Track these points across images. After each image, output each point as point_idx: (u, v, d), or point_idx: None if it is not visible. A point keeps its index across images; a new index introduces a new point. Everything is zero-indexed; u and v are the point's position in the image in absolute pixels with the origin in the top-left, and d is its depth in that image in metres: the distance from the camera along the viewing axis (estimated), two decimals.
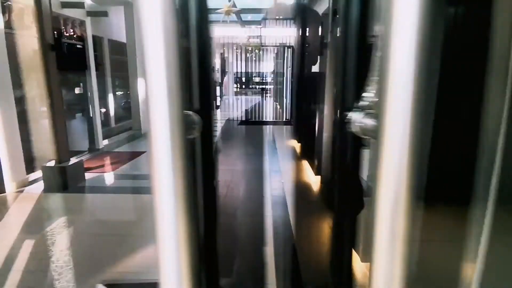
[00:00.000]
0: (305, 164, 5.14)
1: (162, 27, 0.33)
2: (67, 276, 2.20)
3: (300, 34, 6.10)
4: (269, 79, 11.67)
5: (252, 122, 9.59)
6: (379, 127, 0.37)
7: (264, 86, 13.19)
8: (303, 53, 5.98)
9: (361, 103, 0.46)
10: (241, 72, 10.66)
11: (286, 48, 9.01)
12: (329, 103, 4.14)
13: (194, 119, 0.55)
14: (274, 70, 10.66)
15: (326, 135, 4.13)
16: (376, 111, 0.37)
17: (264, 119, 10.04)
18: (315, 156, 4.44)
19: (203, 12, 0.52)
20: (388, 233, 0.41)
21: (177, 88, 0.36)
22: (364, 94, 0.45)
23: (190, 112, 0.54)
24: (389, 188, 0.39)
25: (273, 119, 10.13)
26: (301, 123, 5.94)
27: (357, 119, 0.44)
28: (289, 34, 9.32)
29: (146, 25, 0.33)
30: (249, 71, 10.68)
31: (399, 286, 0.41)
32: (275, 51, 9.94)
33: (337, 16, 2.64)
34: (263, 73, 12.16)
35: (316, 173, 4.40)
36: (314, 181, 4.38)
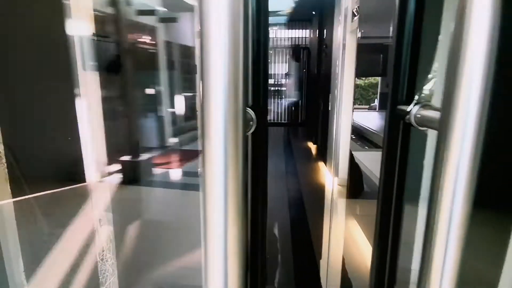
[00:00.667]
0: (322, 165, 5.13)
1: (228, 22, 0.32)
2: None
3: (317, 35, 6.11)
4: (283, 81, 11.63)
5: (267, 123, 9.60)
6: (443, 118, 0.39)
7: (278, 88, 13.14)
8: (320, 54, 5.98)
9: (418, 96, 0.48)
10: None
11: (301, 49, 8.99)
12: (348, 103, 4.12)
13: (251, 116, 0.56)
14: (288, 72, 10.65)
15: (345, 136, 4.11)
16: (442, 102, 0.39)
17: (278, 121, 10.05)
18: (333, 157, 4.42)
19: (263, 11, 0.54)
20: (445, 224, 0.42)
21: (240, 84, 0.34)
22: (425, 87, 0.48)
23: (247, 109, 0.55)
24: (450, 175, 0.40)
25: (287, 120, 10.13)
26: (318, 125, 5.92)
27: (416, 110, 0.46)
28: (304, 35, 9.30)
29: (211, 22, 0.32)
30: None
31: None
32: (290, 53, 9.94)
33: (356, 17, 2.63)
34: (277, 74, 12.14)
35: (334, 174, 4.39)
36: (332, 182, 4.36)
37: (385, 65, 6.33)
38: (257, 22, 0.53)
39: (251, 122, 0.56)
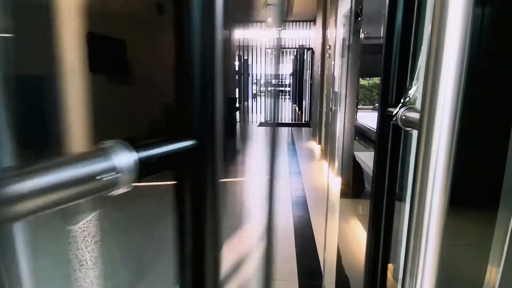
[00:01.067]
0: (326, 165, 5.16)
1: None
2: None
3: (321, 36, 6.14)
4: (287, 81, 11.67)
5: (271, 124, 9.68)
6: (422, 119, 0.43)
7: (282, 89, 13.20)
8: (324, 54, 6.01)
9: (404, 99, 0.52)
10: (260, 74, 10.78)
11: (305, 50, 9.03)
12: (351, 104, 4.16)
13: (115, 165, 0.32)
14: (293, 72, 10.69)
15: (348, 136, 4.14)
16: (421, 104, 0.43)
17: (283, 121, 10.10)
18: (337, 157, 4.45)
19: (209, 6, 0.43)
20: (426, 222, 0.46)
21: None
22: (410, 92, 0.52)
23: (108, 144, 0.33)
24: (428, 170, 0.45)
25: (291, 121, 10.17)
26: (321, 125, 5.96)
27: (402, 112, 0.50)
28: (309, 36, 9.34)
29: None
30: (268, 73, 10.77)
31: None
32: (294, 53, 9.98)
33: (360, 18, 2.67)
34: (281, 75, 12.17)
35: (337, 174, 4.42)
36: (335, 182, 4.39)
37: None
38: (201, 20, 0.43)
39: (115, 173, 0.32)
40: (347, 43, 4.01)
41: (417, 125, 0.49)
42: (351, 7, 3.81)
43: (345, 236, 2.82)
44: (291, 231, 2.93)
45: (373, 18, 3.57)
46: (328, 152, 5.15)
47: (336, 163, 4.45)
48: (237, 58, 10.31)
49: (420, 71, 0.53)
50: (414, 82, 0.54)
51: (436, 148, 0.42)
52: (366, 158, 3.83)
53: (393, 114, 0.52)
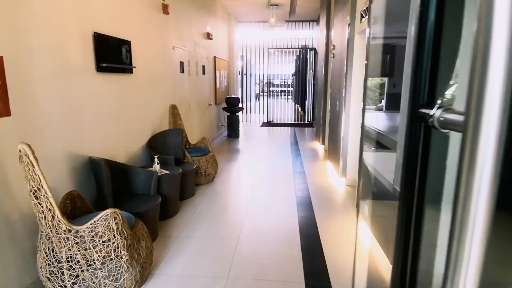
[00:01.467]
0: (330, 165, 5.14)
1: None
2: None
3: (325, 36, 6.11)
4: (290, 81, 11.64)
5: (274, 124, 9.66)
6: (467, 121, 0.41)
7: (285, 89, 13.19)
8: (327, 55, 5.99)
9: (441, 100, 0.50)
10: (262, 74, 10.76)
11: (308, 50, 9.00)
12: (357, 104, 4.14)
13: None
14: (295, 72, 10.67)
15: (354, 137, 4.12)
16: (466, 106, 0.41)
17: (286, 121, 10.07)
18: (341, 157, 4.43)
19: None
20: (470, 227, 0.44)
21: None
22: (446, 92, 0.50)
23: None
24: (474, 175, 0.43)
25: (294, 121, 10.14)
26: (325, 125, 5.93)
27: (439, 114, 0.48)
28: (312, 36, 9.30)
29: None
30: (270, 73, 10.74)
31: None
32: (297, 53, 9.96)
33: (364, 18, 2.62)
34: (283, 75, 12.15)
35: (342, 175, 4.40)
36: (340, 183, 4.37)
37: (391, 65, 6.31)
38: None
39: None
40: (352, 43, 3.99)
41: (458, 127, 0.48)
42: (355, 7, 3.79)
43: (352, 237, 2.80)
44: (296, 232, 2.91)
45: (379, 19, 3.54)
46: (331, 152, 5.13)
47: (341, 164, 4.43)
48: (240, 58, 10.29)
49: (459, 70, 0.51)
50: (451, 82, 0.52)
51: (483, 151, 0.40)
52: (367, 158, 3.80)
53: (430, 115, 0.50)
